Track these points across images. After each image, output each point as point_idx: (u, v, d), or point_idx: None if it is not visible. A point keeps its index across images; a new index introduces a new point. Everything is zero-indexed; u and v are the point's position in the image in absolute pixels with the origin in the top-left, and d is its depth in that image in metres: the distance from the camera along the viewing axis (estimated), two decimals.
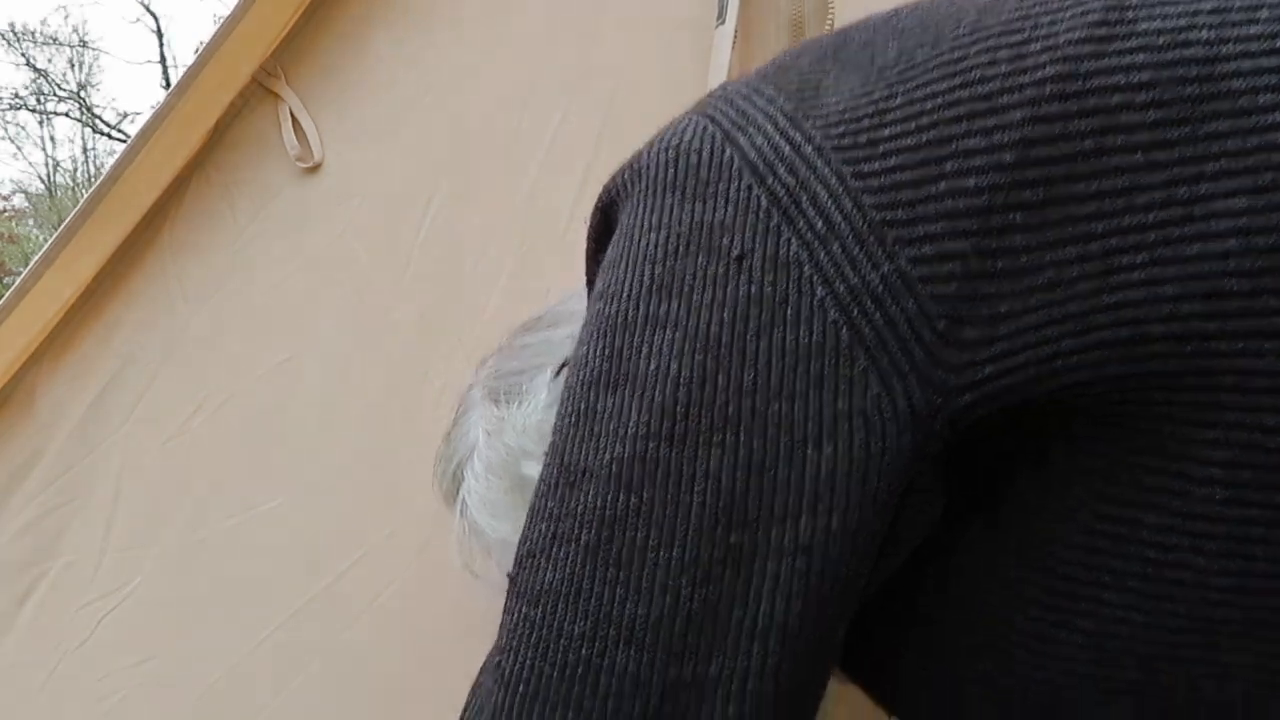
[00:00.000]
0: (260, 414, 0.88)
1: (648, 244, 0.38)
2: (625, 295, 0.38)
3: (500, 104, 0.85)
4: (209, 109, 0.87)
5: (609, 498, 0.36)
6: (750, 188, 0.36)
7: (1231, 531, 0.32)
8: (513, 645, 0.38)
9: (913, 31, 0.37)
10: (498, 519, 0.57)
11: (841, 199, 0.34)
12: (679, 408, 0.35)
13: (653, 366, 0.36)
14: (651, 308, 0.37)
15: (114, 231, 0.87)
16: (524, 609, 0.38)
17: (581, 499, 0.37)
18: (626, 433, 0.36)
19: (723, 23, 0.79)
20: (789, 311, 0.34)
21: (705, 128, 0.38)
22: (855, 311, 0.33)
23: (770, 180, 0.36)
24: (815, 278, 0.34)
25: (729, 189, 0.36)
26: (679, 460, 0.35)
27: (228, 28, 0.82)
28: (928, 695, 0.43)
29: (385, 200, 0.87)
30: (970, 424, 0.34)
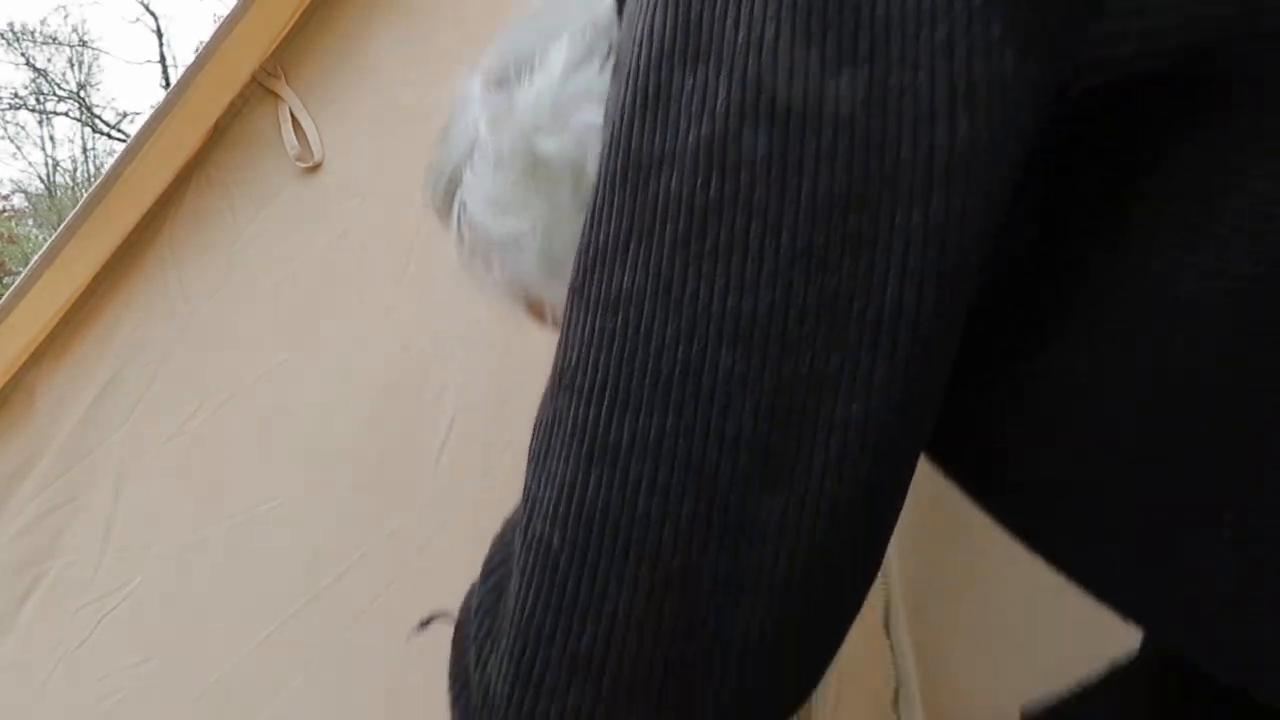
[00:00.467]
0: (260, 414, 0.88)
1: None
2: None
3: None
4: (209, 109, 0.87)
5: (697, 184, 0.32)
6: None
7: None
8: (588, 359, 0.34)
9: None
10: (506, 214, 0.52)
11: None
12: (779, 80, 0.30)
13: (742, 36, 0.31)
14: None
15: (114, 231, 0.87)
16: (597, 319, 0.34)
17: (660, 189, 0.32)
18: (715, 110, 0.31)
19: None
20: None
21: None
22: None
23: None
24: None
25: None
26: (782, 138, 0.31)
27: (227, 28, 0.82)
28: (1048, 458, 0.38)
29: (385, 200, 0.87)
30: (1105, 101, 0.31)
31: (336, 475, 0.87)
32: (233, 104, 0.88)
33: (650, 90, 0.33)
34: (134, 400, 0.89)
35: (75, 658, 0.88)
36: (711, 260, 0.32)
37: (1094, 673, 0.54)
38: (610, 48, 0.48)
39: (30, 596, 0.89)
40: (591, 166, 0.46)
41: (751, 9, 0.31)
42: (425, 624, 0.63)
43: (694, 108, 0.32)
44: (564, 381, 0.36)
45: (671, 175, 0.32)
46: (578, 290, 0.35)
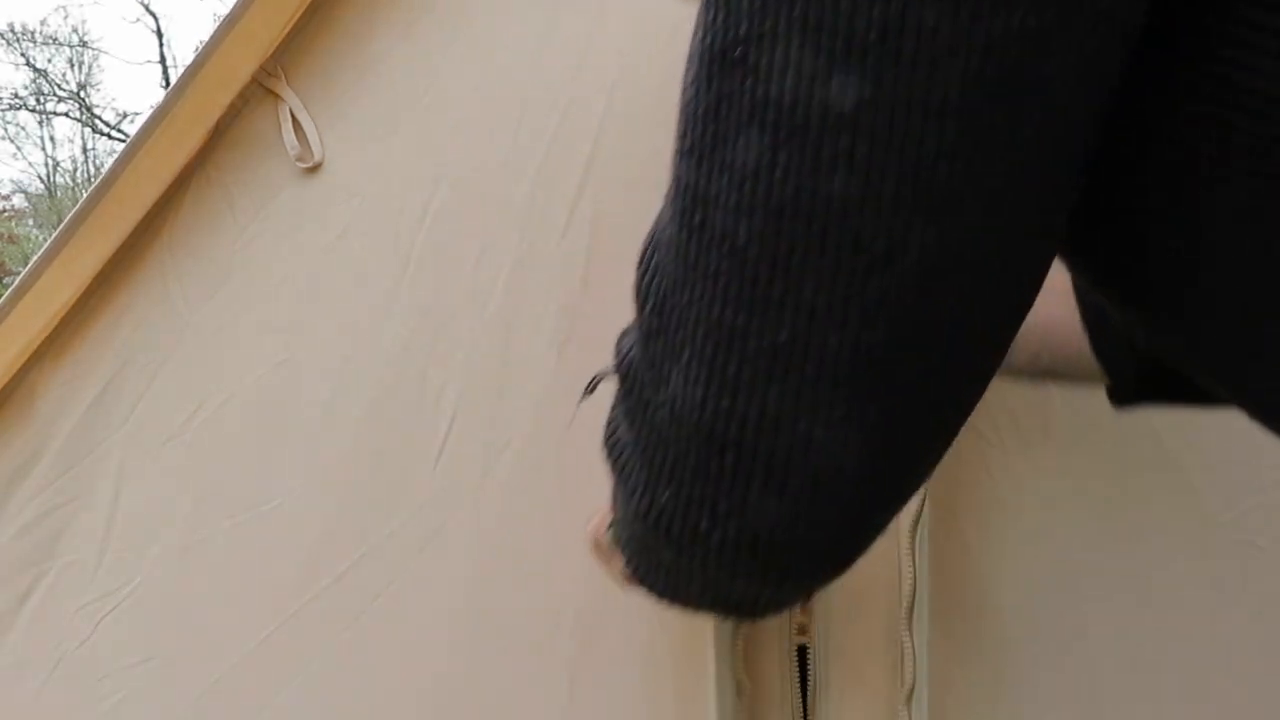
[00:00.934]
0: (260, 414, 0.88)
1: None
2: None
3: (500, 103, 0.85)
4: (209, 109, 0.87)
5: None
6: None
7: None
8: (764, 25, 0.31)
9: None
10: None
11: None
12: None
13: None
14: None
15: (114, 231, 0.88)
16: None
17: None
18: None
19: None
20: None
21: None
22: None
23: None
24: None
25: None
26: None
27: (227, 27, 0.82)
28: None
29: (385, 200, 0.87)
30: None
31: (336, 475, 0.87)
32: (233, 104, 0.88)
33: None
34: (134, 400, 0.89)
35: (75, 658, 0.88)
36: None
37: None
38: None
39: (30, 596, 0.89)
40: None
41: None
42: (591, 389, 0.64)
43: None
44: (730, 57, 0.32)
45: None
46: None
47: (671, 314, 0.36)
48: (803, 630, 0.81)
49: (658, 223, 0.38)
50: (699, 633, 0.79)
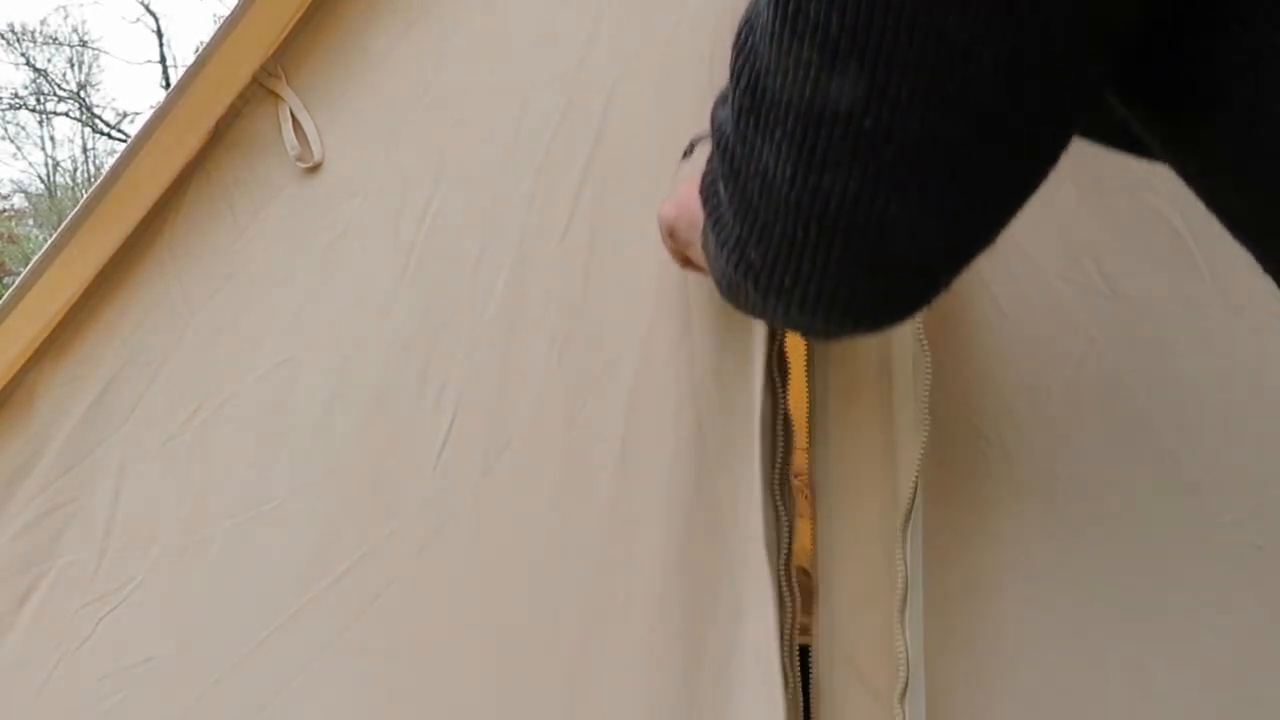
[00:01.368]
0: (260, 414, 0.88)
1: None
2: None
3: (500, 104, 0.85)
4: (209, 109, 0.87)
5: None
6: None
7: None
8: None
9: None
10: None
11: None
12: None
13: None
14: None
15: (114, 231, 0.88)
16: None
17: None
18: None
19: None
20: None
21: None
22: None
23: None
24: None
25: None
26: None
27: (227, 28, 0.82)
28: None
29: (385, 200, 0.87)
30: None
31: (336, 475, 0.87)
32: (233, 104, 0.88)
33: None
34: (134, 400, 0.89)
35: (75, 658, 0.88)
36: None
37: None
38: None
39: (30, 596, 0.89)
40: None
41: None
42: (688, 152, 0.69)
43: None
44: None
45: None
46: None
47: (764, 96, 0.39)
48: (804, 630, 0.81)
49: (753, 4, 0.41)
50: (699, 631, 0.79)
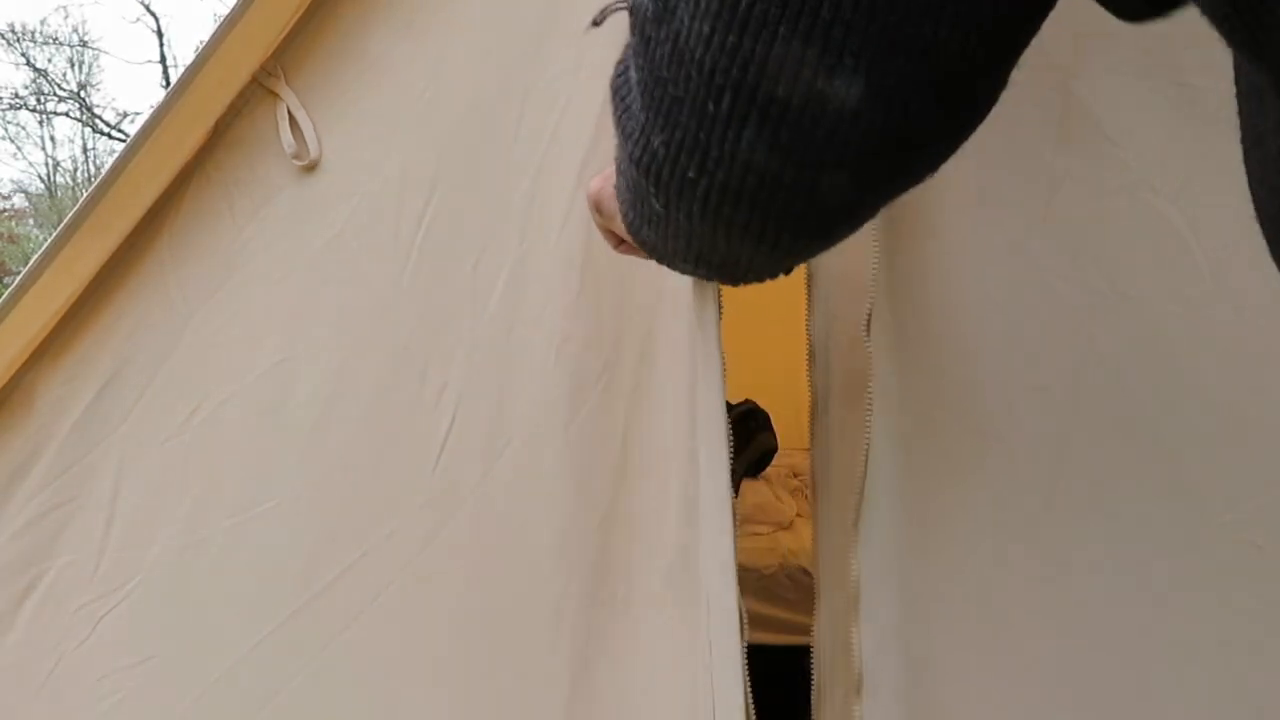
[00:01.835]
0: (259, 413, 0.88)
1: None
2: None
3: (499, 103, 0.85)
4: (208, 109, 0.87)
5: None
6: None
7: None
8: None
9: None
10: None
11: None
12: None
13: None
14: None
15: (114, 231, 0.87)
16: None
17: None
18: None
19: None
20: None
21: None
22: None
23: None
24: None
25: None
26: None
27: (227, 27, 0.82)
28: None
29: (384, 200, 0.87)
30: None
31: (336, 475, 0.87)
32: (232, 104, 0.88)
33: None
34: (134, 400, 0.89)
35: (74, 657, 0.88)
36: None
37: None
38: None
39: (29, 596, 0.89)
40: None
41: None
42: (599, 21, 0.63)
43: None
44: None
45: None
46: None
47: None
48: (805, 631, 0.81)
49: None
50: (699, 628, 0.79)
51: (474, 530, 0.84)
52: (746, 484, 2.29)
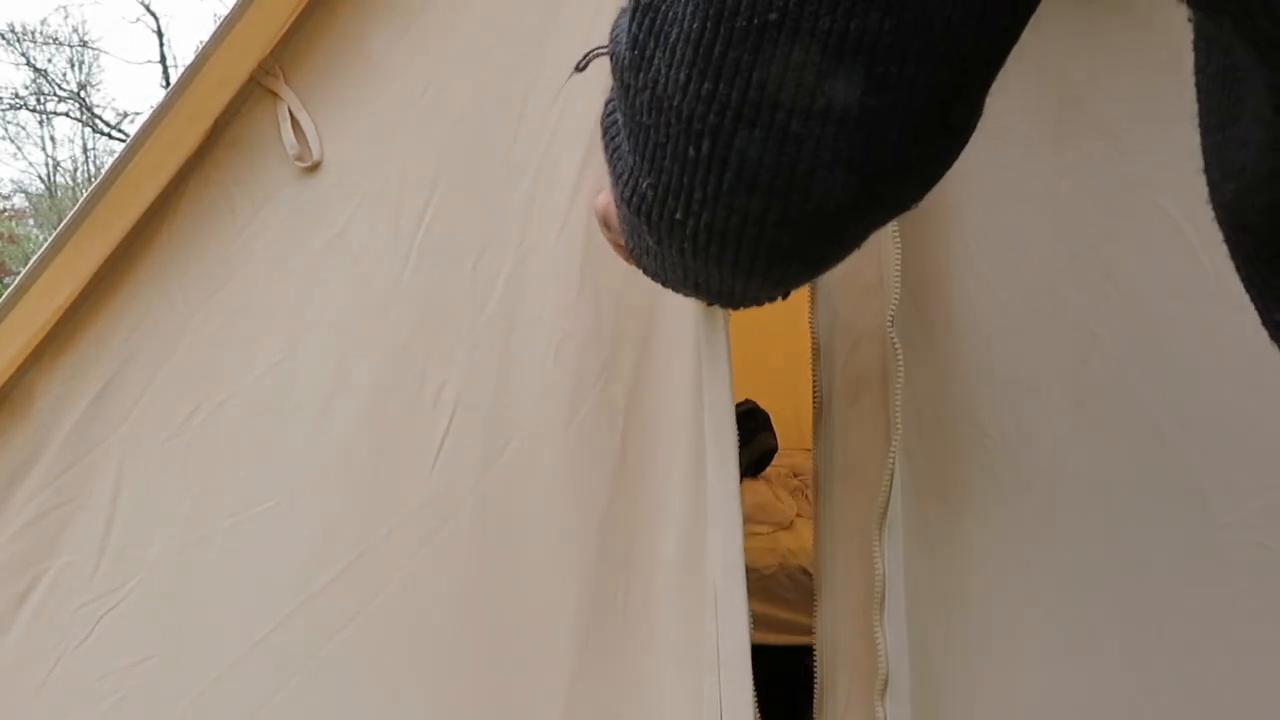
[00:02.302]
0: (259, 413, 0.88)
1: None
2: None
3: (499, 104, 0.85)
4: (208, 108, 0.87)
5: None
6: None
7: None
8: None
9: None
10: None
11: None
12: None
13: None
14: None
15: (114, 231, 0.87)
16: None
17: None
18: None
19: None
20: None
21: None
22: None
23: None
24: None
25: None
26: None
27: (227, 27, 0.82)
28: None
29: (384, 199, 0.87)
30: None
31: (335, 475, 0.86)
32: (232, 104, 0.88)
33: None
34: (134, 400, 0.89)
35: (74, 657, 0.88)
36: None
37: None
38: None
39: (29, 596, 0.89)
40: None
41: None
42: (582, 66, 0.66)
43: None
44: None
45: None
46: None
47: (659, 9, 0.36)
48: (808, 631, 0.81)
49: None
50: (698, 627, 0.79)
51: (473, 530, 0.84)
52: (746, 484, 2.29)
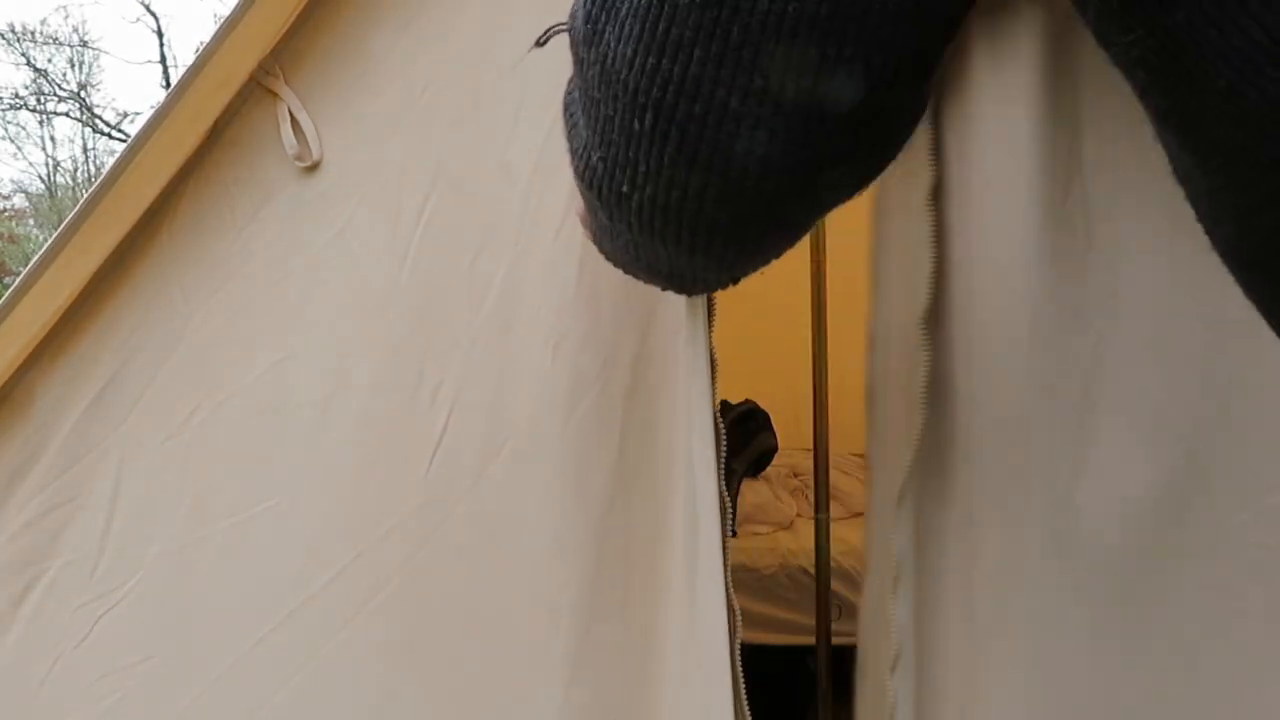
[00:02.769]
0: (258, 413, 0.88)
1: None
2: None
3: (496, 103, 0.85)
4: (209, 109, 0.87)
5: None
6: None
7: None
8: None
9: None
10: None
11: None
12: None
13: None
14: None
15: (114, 231, 0.88)
16: None
17: None
18: None
19: None
20: None
21: None
22: None
23: None
24: None
25: None
26: None
27: (228, 28, 0.82)
28: None
29: (383, 199, 0.87)
30: None
31: (333, 475, 0.87)
32: (231, 103, 0.88)
33: None
34: (133, 400, 0.89)
35: (74, 657, 0.88)
36: None
37: None
38: None
39: (29, 595, 0.89)
40: None
41: None
42: (542, 41, 0.66)
43: None
44: None
45: None
46: None
47: None
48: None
49: None
50: (698, 631, 0.79)
51: (470, 530, 0.84)
52: (746, 484, 2.29)
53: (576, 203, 0.65)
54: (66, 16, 15.58)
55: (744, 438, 2.34)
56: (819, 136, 0.37)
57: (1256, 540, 0.76)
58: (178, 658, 0.88)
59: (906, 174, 0.68)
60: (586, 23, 0.39)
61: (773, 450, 2.44)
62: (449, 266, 0.85)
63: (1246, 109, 0.31)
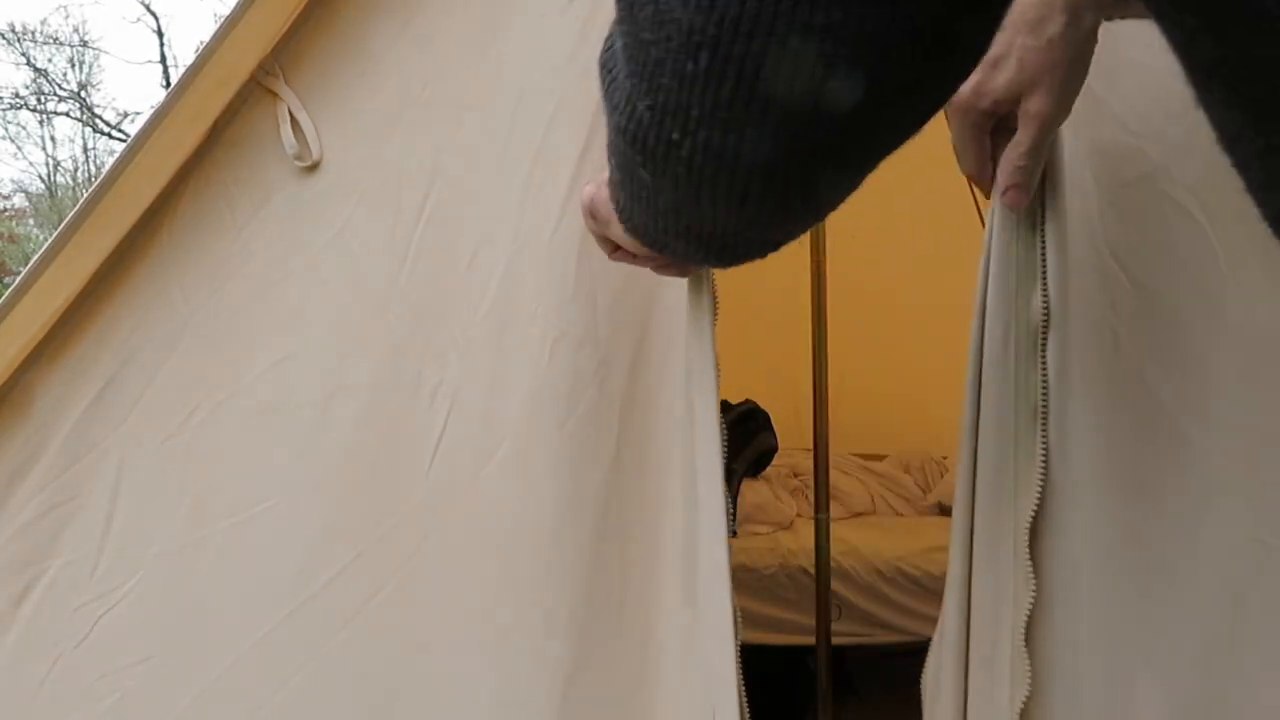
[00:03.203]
0: (258, 413, 0.88)
1: None
2: None
3: (495, 101, 0.85)
4: (208, 108, 0.87)
5: None
6: None
7: None
8: None
9: None
10: None
11: None
12: None
13: None
14: None
15: (114, 231, 0.87)
16: None
17: None
18: None
19: None
20: None
21: None
22: None
23: None
24: None
25: None
26: None
27: (228, 27, 0.82)
28: None
29: (382, 199, 0.87)
30: None
31: (333, 475, 0.87)
32: (231, 103, 0.88)
33: None
34: (133, 400, 0.89)
35: (73, 657, 0.88)
36: None
37: None
38: None
39: (29, 595, 0.89)
40: None
41: None
42: None
43: None
44: None
45: None
46: None
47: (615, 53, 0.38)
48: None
49: None
50: (700, 631, 0.79)
51: (469, 529, 0.84)
52: (746, 484, 2.29)
53: (585, 198, 0.64)
54: (67, 16, 15.59)
55: (744, 438, 2.34)
56: (886, 77, 0.36)
57: (1256, 537, 0.76)
58: (178, 658, 0.88)
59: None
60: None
61: (773, 450, 2.44)
62: (447, 265, 0.85)
63: None
